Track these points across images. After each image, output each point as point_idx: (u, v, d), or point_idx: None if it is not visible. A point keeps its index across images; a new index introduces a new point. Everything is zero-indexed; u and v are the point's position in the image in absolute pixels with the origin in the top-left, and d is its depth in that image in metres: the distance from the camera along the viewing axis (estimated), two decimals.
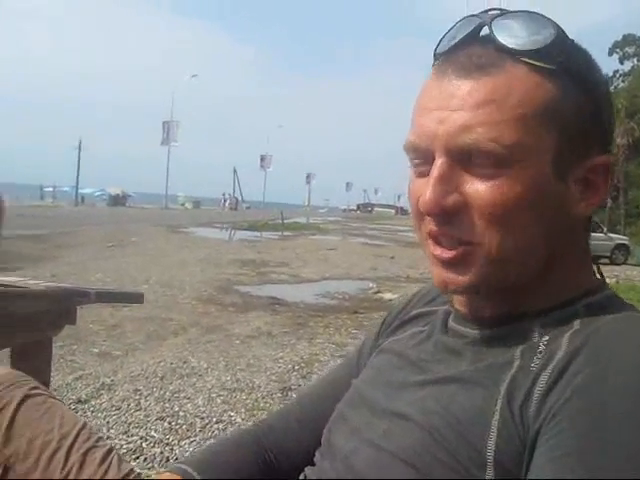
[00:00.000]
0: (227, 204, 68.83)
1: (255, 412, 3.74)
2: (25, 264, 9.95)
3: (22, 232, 14.72)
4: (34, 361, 1.37)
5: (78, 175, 63.46)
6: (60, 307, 1.43)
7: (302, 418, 1.04)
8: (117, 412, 3.65)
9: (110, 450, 0.99)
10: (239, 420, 3.61)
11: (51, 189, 66.24)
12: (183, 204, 72.16)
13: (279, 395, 4.07)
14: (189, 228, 26.39)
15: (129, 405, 3.77)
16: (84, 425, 1.01)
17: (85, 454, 0.96)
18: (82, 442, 0.97)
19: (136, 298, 1.52)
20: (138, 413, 3.65)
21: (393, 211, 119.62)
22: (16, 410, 0.99)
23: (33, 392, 1.04)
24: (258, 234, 25.55)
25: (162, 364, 4.68)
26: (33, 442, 0.96)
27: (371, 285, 10.51)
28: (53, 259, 11.41)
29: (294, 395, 4.09)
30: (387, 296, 9.15)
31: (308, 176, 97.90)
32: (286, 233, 27.05)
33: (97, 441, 0.99)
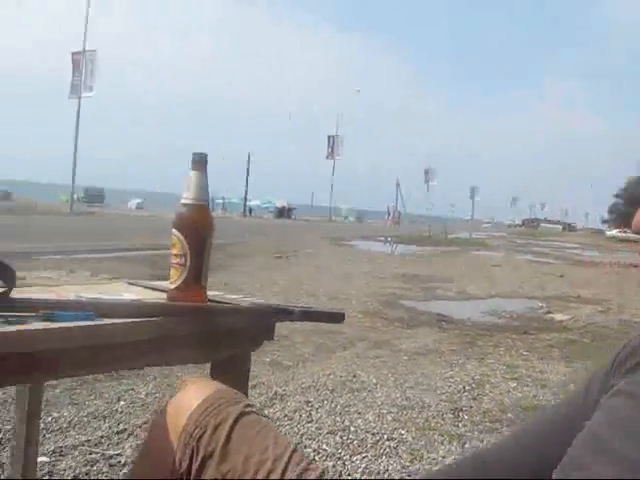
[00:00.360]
0: (390, 217, 68.99)
1: (426, 432, 3.68)
2: None
3: None
4: (232, 376, 1.39)
5: (247, 187, 65.88)
6: (262, 323, 1.46)
7: (518, 457, 0.98)
8: (290, 422, 3.70)
9: (322, 473, 0.99)
10: (410, 439, 3.56)
11: (221, 201, 69.13)
12: (346, 217, 73.10)
13: (450, 416, 3.99)
14: (353, 241, 26.67)
15: (301, 416, 3.82)
16: (296, 447, 1.02)
17: (299, 476, 0.96)
18: (295, 464, 0.98)
19: (337, 318, 1.53)
20: (310, 425, 3.69)
21: (560, 227, 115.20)
22: (232, 427, 1.01)
23: (247, 410, 1.06)
24: (421, 248, 25.39)
25: (332, 377, 4.72)
26: (249, 460, 0.98)
27: (540, 304, 10.14)
28: (225, 268, 11.84)
29: (465, 416, 4.00)
30: (558, 317, 8.79)
31: (472, 190, 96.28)
32: (450, 248, 26.71)
33: (309, 464, 1.00)
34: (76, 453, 3.06)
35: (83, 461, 2.99)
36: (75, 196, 39.81)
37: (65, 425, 3.37)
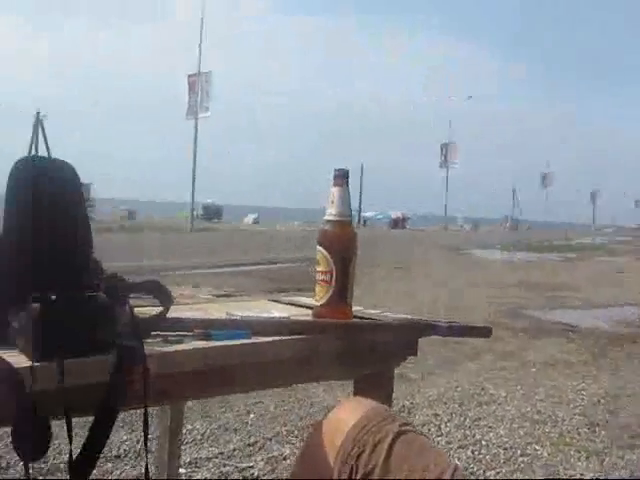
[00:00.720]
0: (507, 224, 67.59)
1: (561, 447, 3.55)
2: None
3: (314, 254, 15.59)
4: (376, 393, 1.38)
5: (360, 198, 66.10)
6: (406, 339, 1.44)
7: None
8: None
9: None
10: (545, 454, 3.45)
11: None
12: (461, 225, 72.16)
13: (586, 430, 3.83)
14: (470, 249, 26.24)
15: (429, 430, 3.76)
16: (457, 466, 1.00)
17: None
18: None
19: (483, 332, 1.50)
20: (439, 439, 3.63)
21: None
22: (391, 446, 1.00)
23: (404, 428, 1.04)
24: (540, 255, 24.68)
25: (459, 389, 4.64)
26: (411, 478, 0.96)
27: None
28: None
29: (602, 432, 3.83)
30: None
31: (592, 195, 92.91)
32: (570, 254, 25.82)
33: None
34: (210, 465, 3.13)
35: (217, 473, 3.05)
36: (195, 213, 41.03)
37: (198, 437, 3.45)
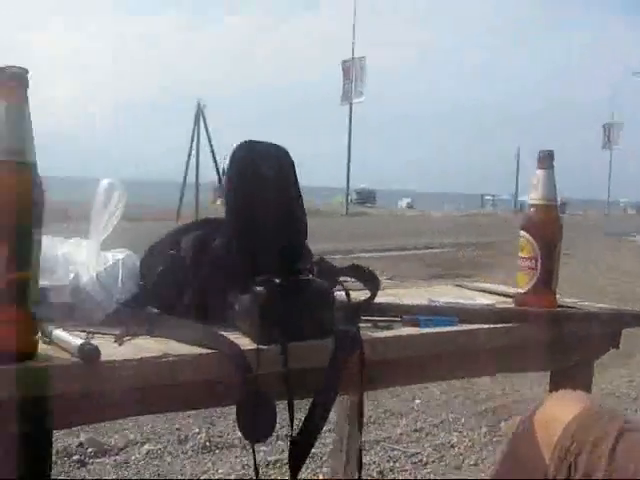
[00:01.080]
0: None
1: None
2: (476, 271, 10.28)
3: (469, 240, 15.39)
4: (574, 385, 1.32)
5: (517, 183, 64.13)
6: (610, 329, 1.37)
7: None
8: None
9: None
10: None
11: (490, 198, 68.40)
12: (625, 209, 68.70)
13: None
14: (634, 236, 24.86)
15: None
16: None
17: None
18: None
19: None
20: None
21: None
22: (614, 445, 0.95)
23: (628, 426, 0.99)
24: None
25: (633, 384, 4.41)
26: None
27: None
28: (498, 266, 11.60)
29: None
30: None
31: None
32: None
33: None
34: (378, 448, 3.13)
35: (386, 457, 3.05)
36: (349, 198, 41.26)
37: (365, 421, 3.47)
